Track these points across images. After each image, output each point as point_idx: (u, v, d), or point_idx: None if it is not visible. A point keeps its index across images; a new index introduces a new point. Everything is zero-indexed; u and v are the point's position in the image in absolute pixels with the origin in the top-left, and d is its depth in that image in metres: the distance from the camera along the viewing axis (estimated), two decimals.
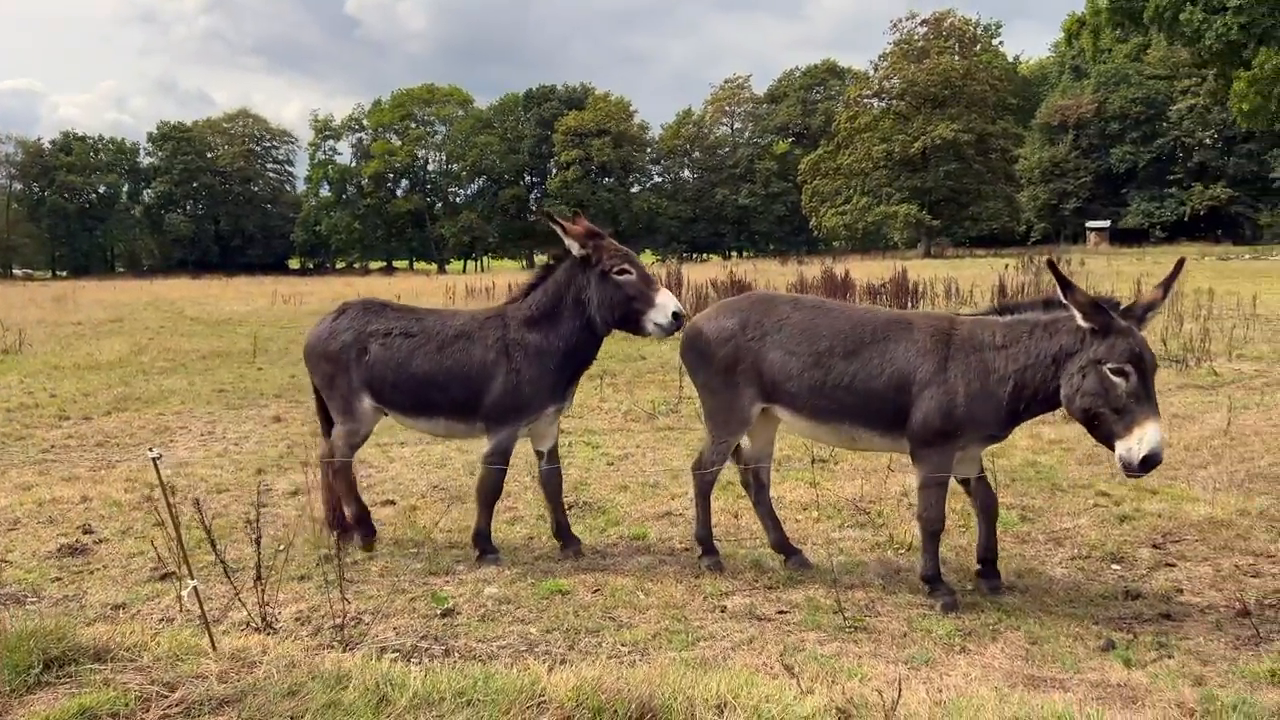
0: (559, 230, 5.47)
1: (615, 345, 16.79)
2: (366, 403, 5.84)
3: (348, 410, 5.88)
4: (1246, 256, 46.34)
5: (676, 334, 5.52)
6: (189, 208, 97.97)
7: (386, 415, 6.00)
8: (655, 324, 5.34)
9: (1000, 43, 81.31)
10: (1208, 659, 4.22)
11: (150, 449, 4.18)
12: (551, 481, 5.87)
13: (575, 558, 5.74)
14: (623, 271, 5.39)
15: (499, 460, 5.65)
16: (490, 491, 5.73)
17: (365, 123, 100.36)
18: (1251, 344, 13.66)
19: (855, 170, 70.97)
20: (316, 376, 6.00)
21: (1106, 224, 72.98)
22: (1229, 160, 68.41)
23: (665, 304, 5.34)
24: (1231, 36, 42.33)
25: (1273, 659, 4.08)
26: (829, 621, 4.75)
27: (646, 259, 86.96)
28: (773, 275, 31.23)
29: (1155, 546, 5.78)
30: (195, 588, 3.96)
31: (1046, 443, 8.51)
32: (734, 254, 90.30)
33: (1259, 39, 41.89)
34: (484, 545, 5.78)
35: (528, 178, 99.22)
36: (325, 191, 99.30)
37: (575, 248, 5.46)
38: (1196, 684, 3.91)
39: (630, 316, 5.39)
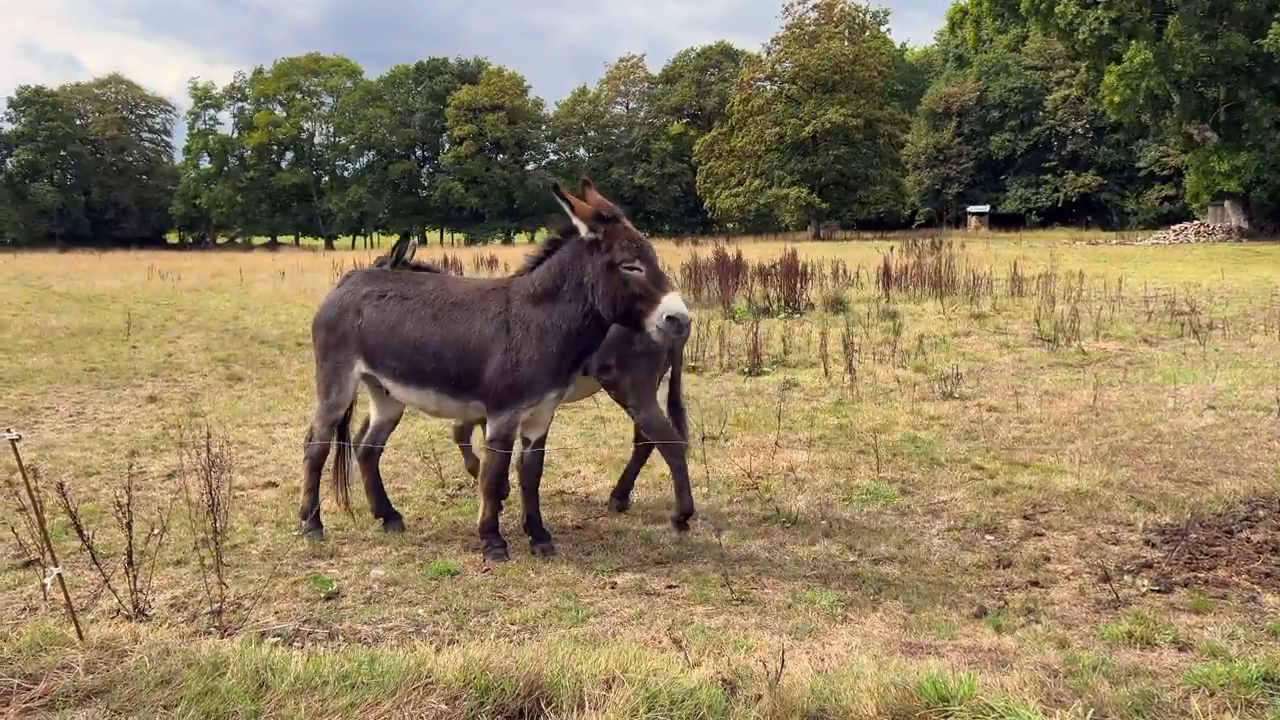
0: (567, 208, 5.06)
1: None
2: (358, 370, 5.61)
3: (334, 382, 5.67)
4: (1113, 242, 48.77)
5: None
6: (56, 178, 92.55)
7: (380, 385, 5.71)
8: (657, 328, 4.94)
9: (888, 30, 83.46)
10: (1072, 623, 4.44)
11: (8, 430, 3.95)
12: (533, 468, 5.53)
13: (545, 556, 5.37)
14: (632, 267, 4.93)
15: (502, 446, 5.25)
16: (496, 480, 5.35)
17: (248, 92, 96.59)
18: (1116, 324, 14.39)
19: (748, 152, 71.75)
20: (315, 346, 5.81)
21: (986, 209, 75.74)
22: (1099, 149, 71.75)
23: (669, 307, 4.88)
24: (1103, 31, 44.32)
25: (1130, 621, 4.31)
26: (717, 595, 4.83)
27: (542, 237, 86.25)
28: (669, 256, 31.39)
29: (1026, 517, 6.04)
30: (59, 575, 3.77)
31: (926, 419, 8.80)
32: None
33: (1129, 34, 43.96)
34: (491, 539, 5.41)
35: (419, 152, 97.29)
36: (205, 163, 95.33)
37: (584, 229, 5.04)
38: (1061, 646, 4.11)
39: (631, 315, 4.99)
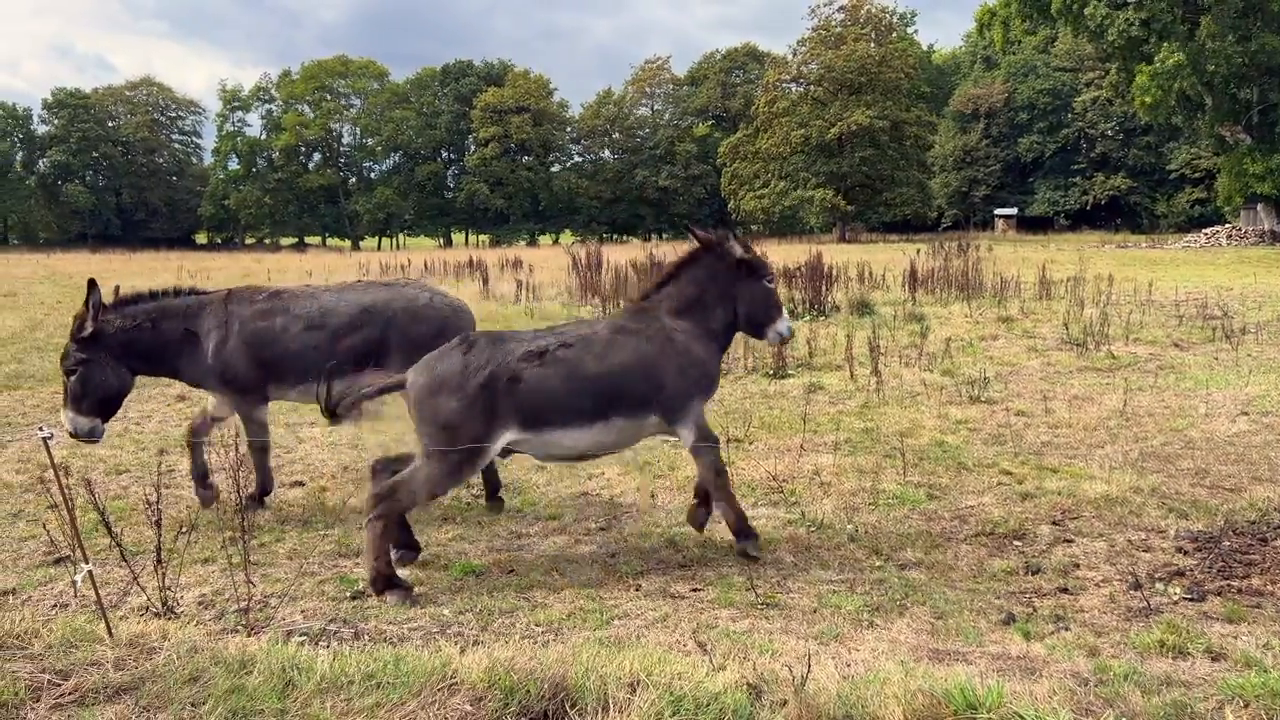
0: (732, 238, 5.79)
1: (535, 326, 16.69)
2: (503, 441, 5.11)
3: (469, 461, 5.03)
4: (1143, 245, 48.22)
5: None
6: (88, 178, 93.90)
7: (518, 450, 5.33)
8: (777, 332, 5.87)
9: (915, 31, 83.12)
10: (1102, 630, 4.38)
11: (41, 428, 4.00)
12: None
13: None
14: (772, 281, 5.87)
15: (711, 439, 5.41)
16: (723, 473, 5.44)
17: (275, 93, 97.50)
18: (1146, 328, 14.22)
19: (773, 154, 71.61)
20: (429, 416, 5.04)
21: (1014, 211, 75.20)
22: (1129, 151, 71.05)
23: (785, 319, 5.95)
24: (1133, 32, 43.86)
25: (1162, 629, 4.25)
26: (741, 599, 4.80)
27: (567, 239, 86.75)
28: None
29: (1055, 523, 5.98)
30: (90, 571, 3.81)
31: (953, 423, 8.73)
32: (654, 236, 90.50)
33: (1160, 34, 43.48)
34: (747, 532, 5.44)
35: (445, 154, 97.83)
36: (234, 164, 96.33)
37: (739, 251, 5.77)
38: (1091, 655, 4.05)
39: (761, 323, 5.85)
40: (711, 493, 5.51)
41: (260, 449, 6.45)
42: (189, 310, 6.34)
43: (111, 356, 6.09)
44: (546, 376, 5.14)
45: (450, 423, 5.02)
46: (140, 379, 6.58)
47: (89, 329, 6.02)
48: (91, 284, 5.94)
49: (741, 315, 5.80)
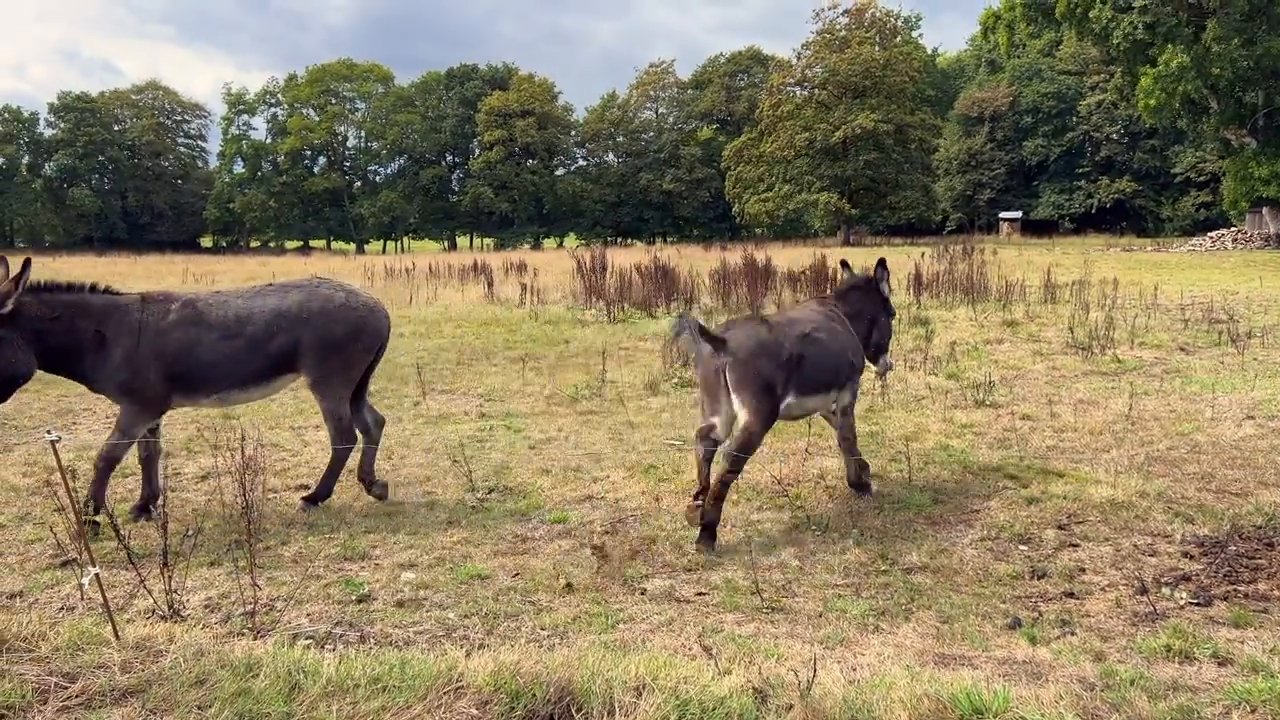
0: (885, 274, 7.14)
1: (539, 329, 16.68)
2: (787, 401, 6.14)
3: (775, 407, 6.02)
4: (1149, 248, 48.12)
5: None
6: (94, 182, 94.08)
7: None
8: (886, 361, 7.29)
9: (919, 35, 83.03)
10: (1108, 635, 4.37)
11: (49, 431, 4.01)
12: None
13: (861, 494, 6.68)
14: (892, 319, 7.32)
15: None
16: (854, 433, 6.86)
17: (281, 97, 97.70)
18: (1152, 332, 14.20)
19: (778, 158, 71.51)
20: (751, 378, 5.89)
21: (1018, 215, 75.05)
22: (1134, 155, 70.87)
23: (891, 353, 7.42)
24: (1137, 35, 43.80)
25: (1168, 634, 4.24)
26: (747, 602, 4.80)
27: (571, 242, 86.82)
28: (698, 261, 31.42)
29: (1060, 527, 5.97)
30: (96, 574, 3.82)
31: (959, 427, 8.72)
32: (658, 239, 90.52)
33: (1164, 38, 43.42)
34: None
35: (450, 157, 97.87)
36: (239, 168, 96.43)
37: (886, 289, 7.17)
38: (1097, 659, 4.05)
39: (882, 349, 7.20)
40: (848, 442, 6.74)
41: (109, 462, 6.05)
42: (103, 311, 6.03)
43: (23, 340, 5.73)
44: (813, 353, 6.21)
45: (770, 383, 5.93)
46: None
47: (9, 306, 5.65)
48: (27, 263, 5.67)
49: (873, 340, 7.11)
